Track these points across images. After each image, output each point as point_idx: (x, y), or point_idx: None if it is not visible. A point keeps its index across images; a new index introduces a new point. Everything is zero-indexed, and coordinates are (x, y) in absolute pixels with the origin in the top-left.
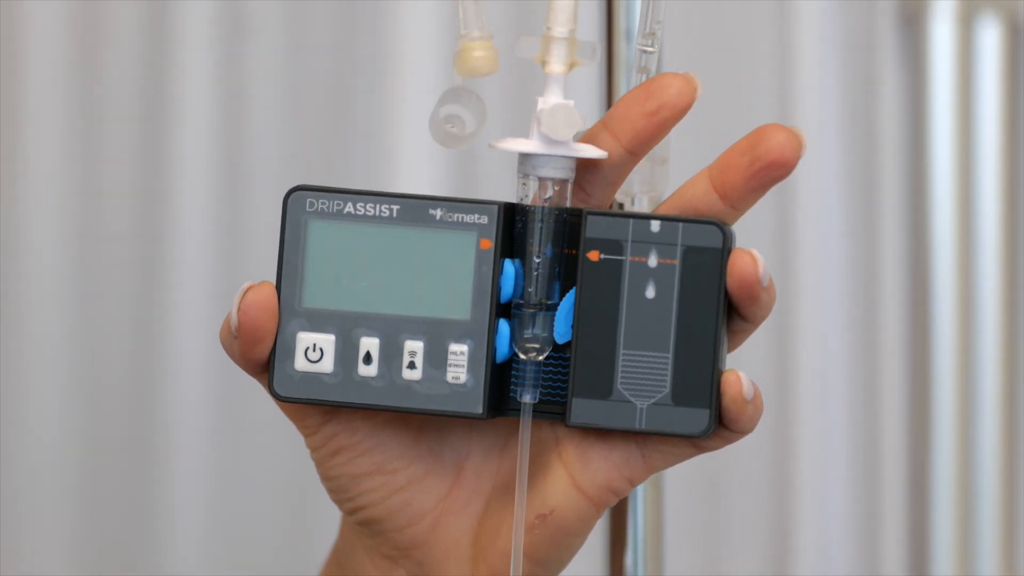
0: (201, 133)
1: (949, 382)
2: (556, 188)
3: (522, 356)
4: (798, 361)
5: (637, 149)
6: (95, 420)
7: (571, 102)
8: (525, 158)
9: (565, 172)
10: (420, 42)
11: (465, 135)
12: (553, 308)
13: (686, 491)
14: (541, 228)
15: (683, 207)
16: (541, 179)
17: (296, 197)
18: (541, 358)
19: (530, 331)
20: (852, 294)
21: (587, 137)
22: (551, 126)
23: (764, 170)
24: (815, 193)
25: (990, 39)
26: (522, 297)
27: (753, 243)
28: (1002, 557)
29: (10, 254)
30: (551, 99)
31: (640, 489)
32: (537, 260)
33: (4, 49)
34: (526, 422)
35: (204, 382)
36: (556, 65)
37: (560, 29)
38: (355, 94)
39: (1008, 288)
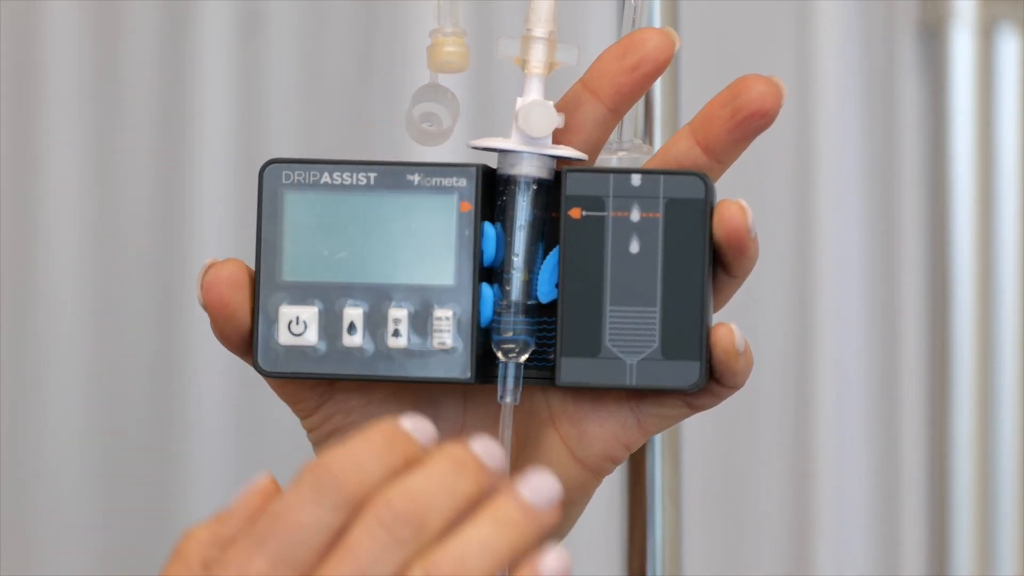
0: (220, 132)
1: (969, 380)
2: (534, 187)
3: (501, 358)
4: (817, 359)
5: (619, 106)
6: (115, 416)
7: (549, 102)
8: (504, 157)
9: (543, 172)
10: None
11: (442, 131)
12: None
13: (705, 490)
14: (523, 204)
15: (666, 165)
16: (520, 177)
17: (271, 170)
18: (522, 359)
19: (510, 332)
20: (872, 295)
21: (567, 99)
22: (527, 122)
23: (746, 120)
24: (835, 201)
25: (1010, 49)
26: (503, 268)
27: (775, 247)
28: (1023, 558)
29: (31, 253)
30: (530, 98)
31: (658, 487)
32: (520, 234)
33: (24, 49)
34: (507, 422)
35: (225, 378)
36: (535, 66)
37: (540, 30)
38: (373, 93)
39: None
